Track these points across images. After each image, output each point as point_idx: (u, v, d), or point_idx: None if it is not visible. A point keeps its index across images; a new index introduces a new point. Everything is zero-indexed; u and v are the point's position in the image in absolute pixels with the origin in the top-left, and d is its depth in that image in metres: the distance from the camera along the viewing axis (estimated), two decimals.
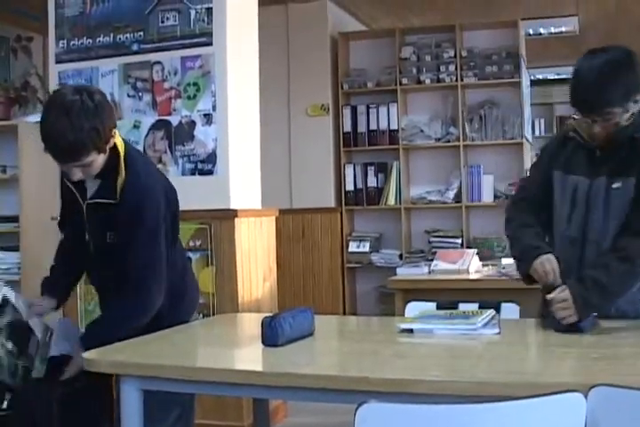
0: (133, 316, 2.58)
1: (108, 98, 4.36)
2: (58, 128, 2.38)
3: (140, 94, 4.36)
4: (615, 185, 2.56)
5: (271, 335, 2.33)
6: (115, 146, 2.59)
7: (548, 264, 2.54)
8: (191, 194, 4.16)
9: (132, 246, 2.56)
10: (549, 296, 2.46)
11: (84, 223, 2.67)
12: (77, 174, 2.50)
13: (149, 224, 2.58)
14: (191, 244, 4.16)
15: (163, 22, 4.31)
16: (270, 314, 2.43)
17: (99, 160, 2.50)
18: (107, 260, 2.66)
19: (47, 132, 2.41)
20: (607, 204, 2.59)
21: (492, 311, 2.61)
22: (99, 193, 2.61)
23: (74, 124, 2.37)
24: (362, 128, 6.79)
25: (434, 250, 6.07)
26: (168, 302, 2.69)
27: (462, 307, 3.11)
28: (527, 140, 6.65)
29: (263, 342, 2.34)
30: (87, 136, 2.39)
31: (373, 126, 6.75)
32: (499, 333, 2.41)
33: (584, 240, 2.63)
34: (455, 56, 6.54)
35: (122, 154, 2.60)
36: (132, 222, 2.56)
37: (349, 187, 6.81)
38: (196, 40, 4.23)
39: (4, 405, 2.42)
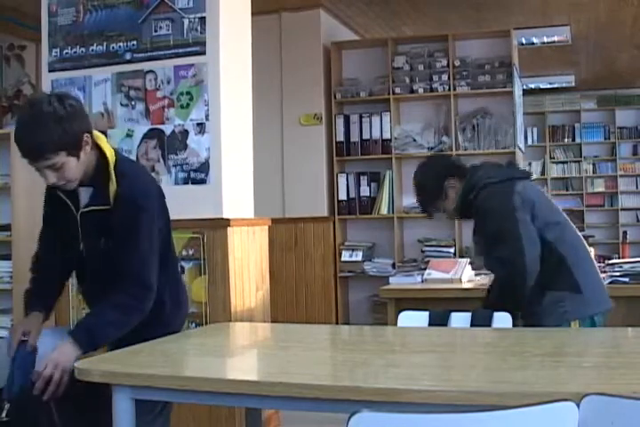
0: (129, 308, 2.57)
1: (101, 107, 4.42)
2: (26, 128, 2.46)
3: (133, 103, 4.36)
4: None
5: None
6: (103, 154, 2.64)
7: None
8: (184, 203, 4.16)
9: (130, 245, 2.60)
10: None
11: (78, 232, 2.68)
12: (51, 178, 2.52)
13: (146, 225, 2.64)
14: (184, 253, 4.15)
15: (156, 31, 4.31)
16: None
17: (71, 164, 2.52)
18: (100, 267, 2.68)
19: (17, 133, 2.48)
20: None
21: None
22: (92, 200, 2.65)
23: (40, 124, 2.43)
24: (355, 137, 6.80)
25: (427, 259, 6.08)
26: (168, 310, 2.76)
27: (454, 316, 3.13)
28: (520, 149, 6.66)
29: None
30: (54, 134, 2.43)
31: (366, 136, 6.76)
32: None
33: None
34: (448, 65, 6.56)
35: (111, 161, 2.64)
36: (130, 225, 2.60)
37: (342, 196, 6.81)
38: (189, 49, 4.23)
39: (4, 413, 2.41)
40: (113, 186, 2.61)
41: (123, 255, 2.61)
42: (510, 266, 3.18)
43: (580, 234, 3.55)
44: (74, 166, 2.53)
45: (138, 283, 2.60)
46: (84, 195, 2.66)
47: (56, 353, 2.45)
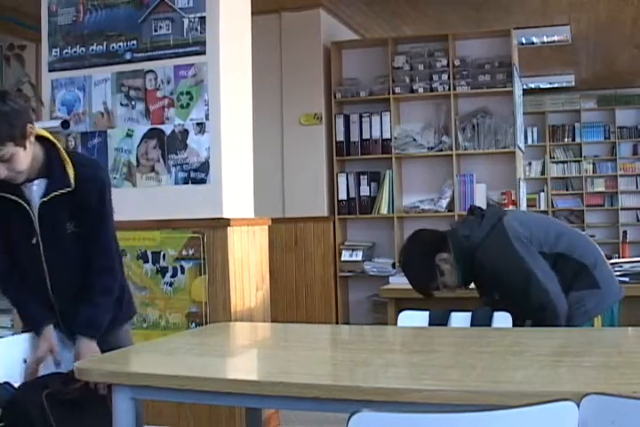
0: (111, 288, 2.75)
1: (101, 106, 4.42)
2: None
3: (133, 103, 4.36)
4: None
5: None
6: (50, 144, 2.70)
7: None
8: (184, 203, 4.17)
9: (100, 221, 2.75)
10: None
11: (34, 228, 2.69)
12: (2, 170, 2.55)
13: (109, 198, 2.79)
14: (184, 253, 4.15)
15: (156, 31, 4.31)
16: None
17: (20, 154, 2.55)
18: (63, 259, 2.72)
19: None
20: None
21: None
22: (51, 187, 2.68)
23: None
24: (355, 137, 6.79)
25: None
26: (127, 294, 2.96)
27: (454, 316, 3.13)
28: (520, 149, 6.66)
29: None
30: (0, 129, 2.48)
31: (366, 135, 6.76)
32: None
33: None
34: (448, 65, 6.56)
35: (58, 146, 2.71)
36: (97, 199, 2.73)
37: (342, 196, 6.81)
38: (189, 49, 4.23)
39: None
40: (70, 168, 2.68)
41: (94, 231, 2.73)
42: (543, 309, 3.14)
43: (583, 233, 3.57)
44: (22, 156, 2.57)
45: (108, 254, 2.76)
46: (37, 188, 2.69)
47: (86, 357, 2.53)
